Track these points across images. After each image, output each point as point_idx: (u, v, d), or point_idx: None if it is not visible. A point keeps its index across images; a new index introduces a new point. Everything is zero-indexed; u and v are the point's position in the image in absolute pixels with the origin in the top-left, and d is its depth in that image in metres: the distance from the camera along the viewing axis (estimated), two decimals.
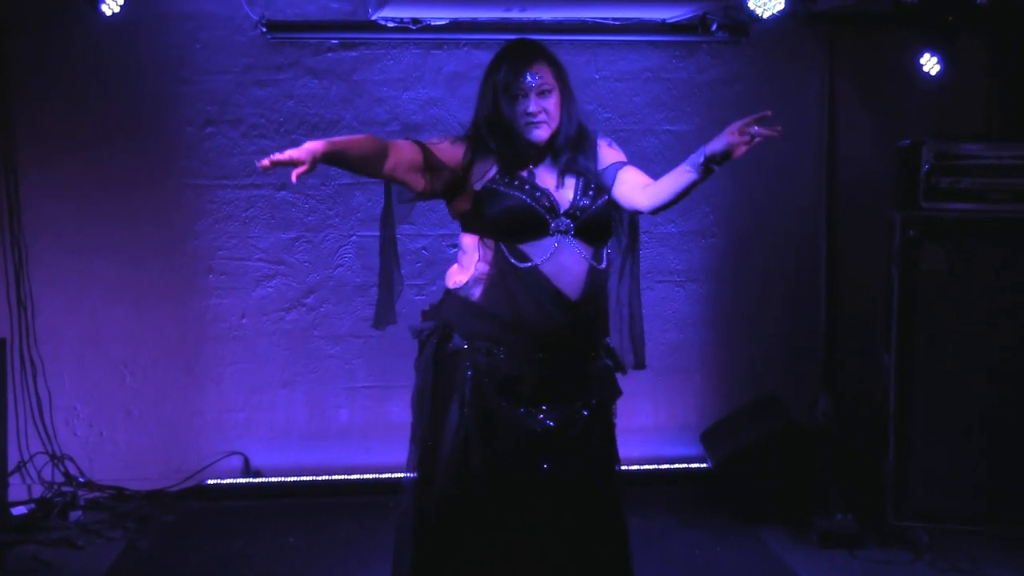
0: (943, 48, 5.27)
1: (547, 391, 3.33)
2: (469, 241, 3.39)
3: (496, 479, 3.31)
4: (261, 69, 5.43)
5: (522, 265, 3.29)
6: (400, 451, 5.40)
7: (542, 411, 3.31)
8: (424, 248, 5.55)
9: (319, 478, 5.51)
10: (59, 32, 5.28)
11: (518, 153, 3.35)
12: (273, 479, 5.51)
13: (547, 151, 3.38)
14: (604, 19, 5.47)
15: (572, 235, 3.31)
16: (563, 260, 3.30)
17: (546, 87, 3.32)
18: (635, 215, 3.47)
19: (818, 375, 5.76)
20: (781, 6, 5.09)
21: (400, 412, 5.51)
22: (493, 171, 3.35)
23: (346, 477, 5.51)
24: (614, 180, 3.38)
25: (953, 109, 5.65)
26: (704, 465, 5.60)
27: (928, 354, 4.86)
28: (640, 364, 3.53)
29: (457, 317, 3.37)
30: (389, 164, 3.24)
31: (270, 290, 5.54)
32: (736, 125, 3.05)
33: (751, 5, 5.10)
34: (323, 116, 5.48)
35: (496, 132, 3.34)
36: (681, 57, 5.66)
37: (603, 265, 3.37)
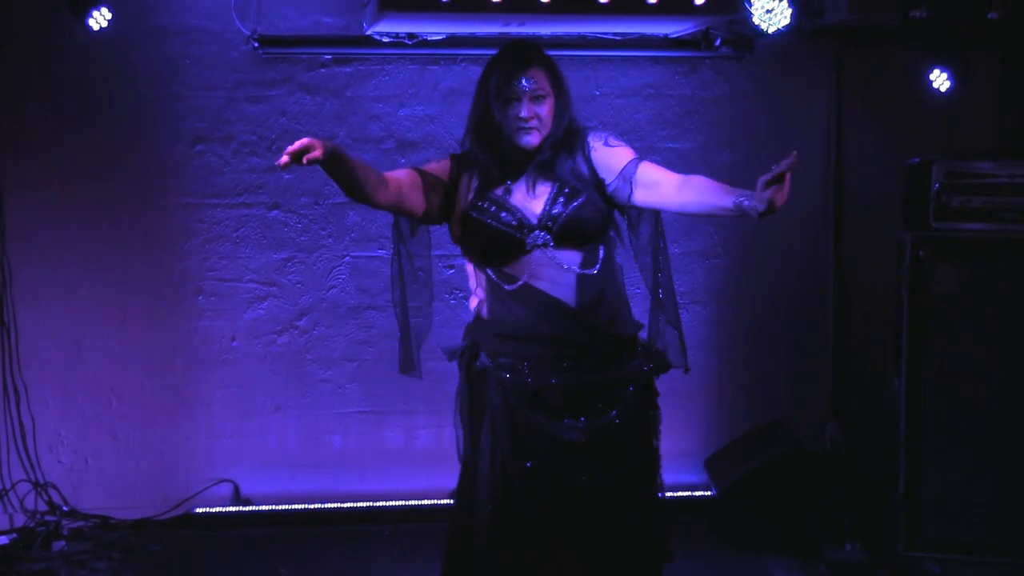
0: (953, 64, 5.27)
1: (579, 400, 3.32)
2: (469, 266, 3.46)
3: (534, 493, 3.32)
4: (253, 85, 5.42)
5: (510, 287, 3.31)
6: (395, 478, 5.57)
7: (577, 421, 3.30)
8: (420, 269, 5.47)
9: (311, 506, 5.48)
10: (44, 47, 5.26)
11: (504, 161, 3.33)
12: (264, 507, 5.48)
13: (533, 159, 3.35)
14: (604, 34, 5.45)
15: (553, 246, 3.29)
16: (549, 273, 3.29)
17: (540, 92, 3.30)
18: (657, 220, 3.46)
19: (826, 400, 5.75)
20: (787, 21, 5.09)
21: (395, 438, 5.60)
22: (474, 187, 3.35)
23: (339, 505, 5.48)
24: (633, 180, 3.32)
25: (964, 126, 5.64)
26: (708, 493, 5.57)
27: (940, 379, 4.84)
28: (664, 365, 3.52)
29: (481, 336, 3.41)
30: (392, 190, 3.28)
31: (261, 312, 5.52)
32: (764, 181, 2.99)
33: (756, 20, 5.10)
34: (316, 133, 5.38)
35: (483, 138, 3.34)
36: (684, 73, 5.65)
37: (594, 269, 3.34)
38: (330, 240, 5.51)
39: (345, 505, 5.48)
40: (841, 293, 5.75)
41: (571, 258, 3.32)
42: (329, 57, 5.44)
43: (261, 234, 5.49)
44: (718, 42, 5.44)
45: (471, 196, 3.36)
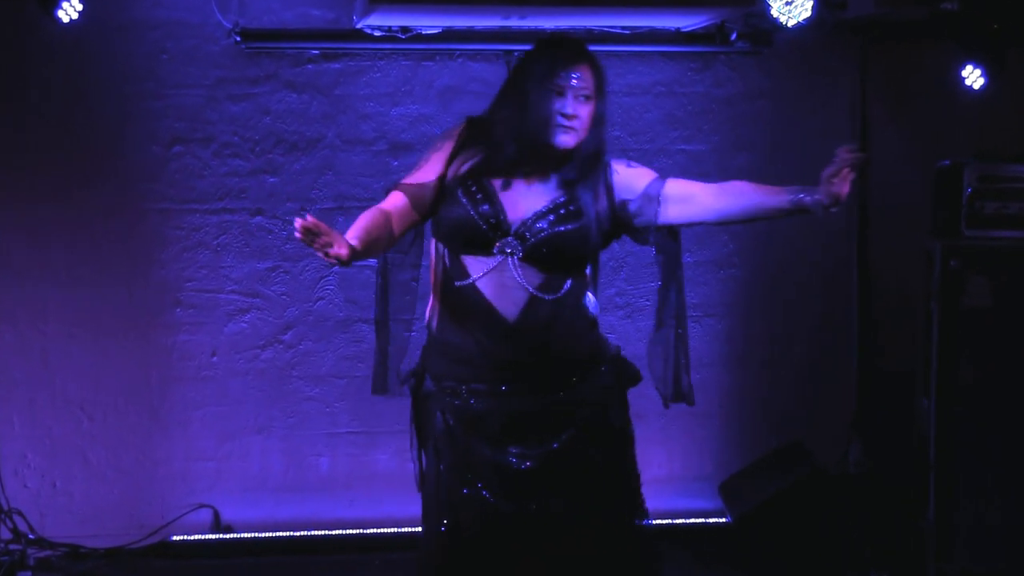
0: (987, 59, 5.19)
1: (523, 425, 3.28)
2: (432, 256, 3.40)
3: (482, 522, 3.31)
4: (234, 82, 5.40)
5: (459, 282, 3.27)
6: (387, 503, 5.43)
7: (522, 448, 3.28)
8: (413, 280, 5.44)
9: (297, 534, 5.46)
10: (9, 40, 5.23)
11: (524, 155, 3.26)
12: (246, 535, 5.45)
13: (555, 163, 3.29)
14: (613, 28, 5.39)
15: (519, 258, 3.24)
16: (504, 280, 3.24)
17: (587, 92, 3.25)
18: (674, 231, 3.43)
19: (849, 421, 5.71)
20: (807, 14, 5.07)
21: (387, 460, 5.56)
22: (469, 165, 3.30)
23: (327, 533, 5.46)
24: (660, 197, 3.33)
25: (999, 127, 5.60)
26: (723, 519, 5.55)
27: (972, 398, 4.83)
28: (680, 396, 3.52)
29: (427, 357, 3.42)
30: (397, 226, 3.27)
31: (244, 325, 5.49)
32: (828, 174, 3.14)
33: (774, 13, 5.08)
34: (303, 134, 5.45)
35: (511, 127, 3.26)
36: (697, 70, 5.64)
37: (553, 296, 3.27)
38: None
39: (333, 532, 5.46)
40: (865, 306, 5.74)
41: (531, 277, 3.25)
42: (317, 52, 5.43)
43: (243, 242, 5.46)
44: (734, 36, 5.42)
45: (467, 168, 3.30)
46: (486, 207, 3.24)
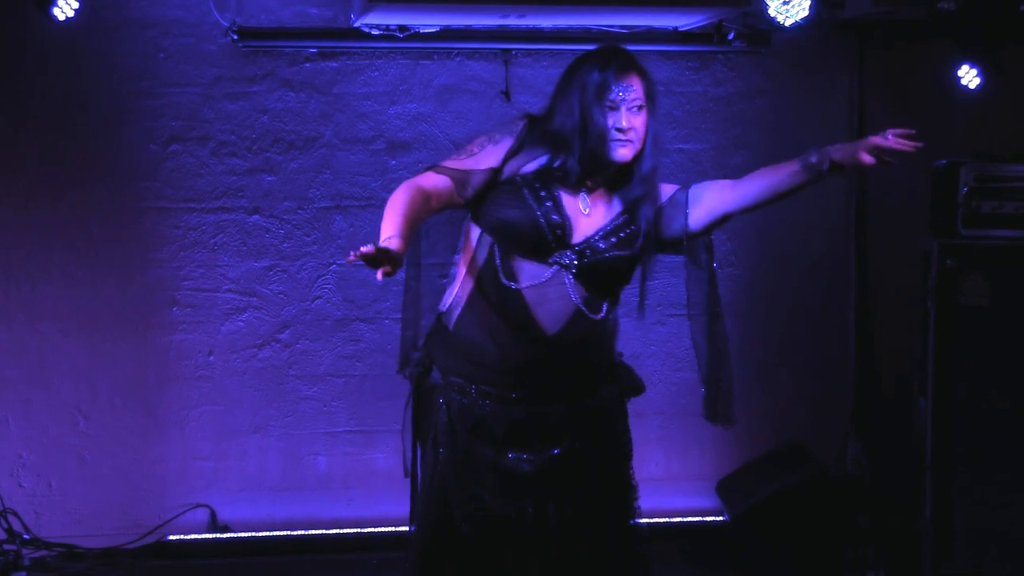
0: (984, 59, 5.19)
1: (525, 432, 3.27)
2: (470, 238, 3.33)
3: (476, 522, 3.30)
4: (231, 81, 5.38)
5: (506, 283, 3.22)
6: (385, 502, 5.42)
7: (523, 452, 3.27)
8: (413, 278, 5.44)
9: (294, 533, 5.45)
10: (4, 38, 5.22)
11: (586, 169, 3.25)
12: (243, 534, 5.44)
13: (617, 177, 3.29)
14: (610, 27, 5.39)
15: (572, 274, 3.23)
16: (550, 292, 3.22)
17: (638, 102, 3.23)
18: (710, 244, 3.46)
19: (848, 420, 5.72)
20: (805, 13, 5.07)
21: (385, 459, 5.54)
22: (535, 166, 3.26)
23: (324, 532, 5.46)
24: (687, 202, 3.35)
25: (995, 126, 5.62)
26: (721, 518, 5.55)
27: (969, 397, 4.81)
28: (715, 417, 3.59)
29: (437, 348, 3.38)
30: (434, 205, 3.23)
31: (241, 324, 5.47)
32: (873, 142, 3.20)
33: (772, 12, 5.08)
34: (300, 133, 5.44)
35: (569, 140, 3.23)
36: (695, 69, 5.63)
37: (597, 316, 3.28)
38: (315, 247, 5.47)
39: (330, 532, 5.45)
40: (863, 305, 5.74)
41: (580, 294, 3.25)
42: (314, 51, 5.41)
43: (241, 241, 5.44)
44: (731, 36, 5.40)
45: (530, 169, 3.26)
46: (556, 216, 3.22)
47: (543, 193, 3.24)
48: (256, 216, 5.44)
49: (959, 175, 4.81)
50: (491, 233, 3.26)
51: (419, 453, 3.42)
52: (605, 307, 3.31)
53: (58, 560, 5.22)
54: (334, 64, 5.43)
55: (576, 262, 3.23)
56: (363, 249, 2.82)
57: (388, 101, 5.46)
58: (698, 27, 5.38)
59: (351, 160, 5.44)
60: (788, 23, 5.07)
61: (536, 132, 3.29)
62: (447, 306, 3.37)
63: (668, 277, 5.59)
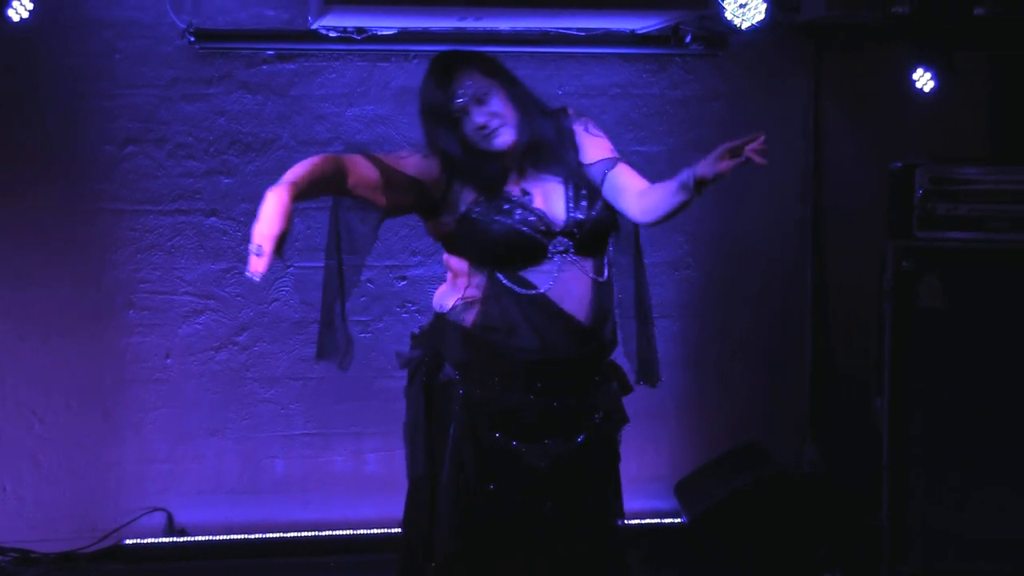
0: (938, 63, 5.26)
1: (550, 423, 3.27)
2: (458, 264, 3.31)
3: (496, 519, 3.29)
4: (188, 82, 5.36)
5: (525, 292, 3.22)
6: (342, 505, 5.44)
7: (543, 445, 3.27)
8: (369, 281, 5.47)
9: (252, 536, 5.42)
10: None
11: (491, 171, 3.25)
12: (200, 538, 5.41)
13: (521, 157, 3.28)
14: (568, 30, 5.40)
15: (572, 253, 3.24)
16: (567, 282, 3.24)
17: (481, 92, 3.22)
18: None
19: (804, 421, 5.75)
20: (761, 16, 5.07)
21: (343, 462, 5.54)
22: (471, 196, 3.26)
23: (282, 535, 5.43)
24: (602, 181, 3.31)
25: (949, 129, 5.65)
26: (678, 520, 5.55)
27: (925, 397, 4.82)
28: (651, 378, 3.53)
29: (448, 344, 3.32)
30: (351, 182, 3.15)
31: (198, 327, 5.46)
32: (725, 147, 3.00)
33: (729, 15, 5.08)
34: (257, 135, 5.41)
35: (470, 155, 3.23)
36: (652, 72, 5.64)
37: (604, 277, 3.31)
38: None
39: (288, 535, 5.43)
40: (820, 307, 5.76)
41: (589, 265, 3.28)
42: (272, 53, 5.40)
43: (198, 243, 5.42)
44: (688, 39, 5.40)
45: (475, 197, 3.26)
46: (531, 216, 3.23)
47: (505, 206, 3.24)
48: (213, 218, 5.42)
49: (914, 177, 4.83)
50: (485, 264, 3.26)
51: (417, 454, 3.38)
52: (606, 264, 3.33)
53: (13, 565, 5.17)
54: (291, 66, 5.42)
55: (571, 242, 3.24)
56: (261, 264, 2.87)
57: (346, 103, 5.45)
58: (655, 30, 5.38)
59: (314, 160, 5.42)
60: (744, 26, 5.07)
61: (443, 156, 3.27)
62: (448, 308, 3.32)
63: (625, 280, 5.66)
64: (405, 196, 3.24)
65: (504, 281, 3.24)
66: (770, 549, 5.11)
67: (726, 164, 3.00)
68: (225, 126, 5.39)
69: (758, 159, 2.98)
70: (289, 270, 5.46)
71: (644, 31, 5.42)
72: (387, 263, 5.46)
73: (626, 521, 3.53)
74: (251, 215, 5.50)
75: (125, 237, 5.38)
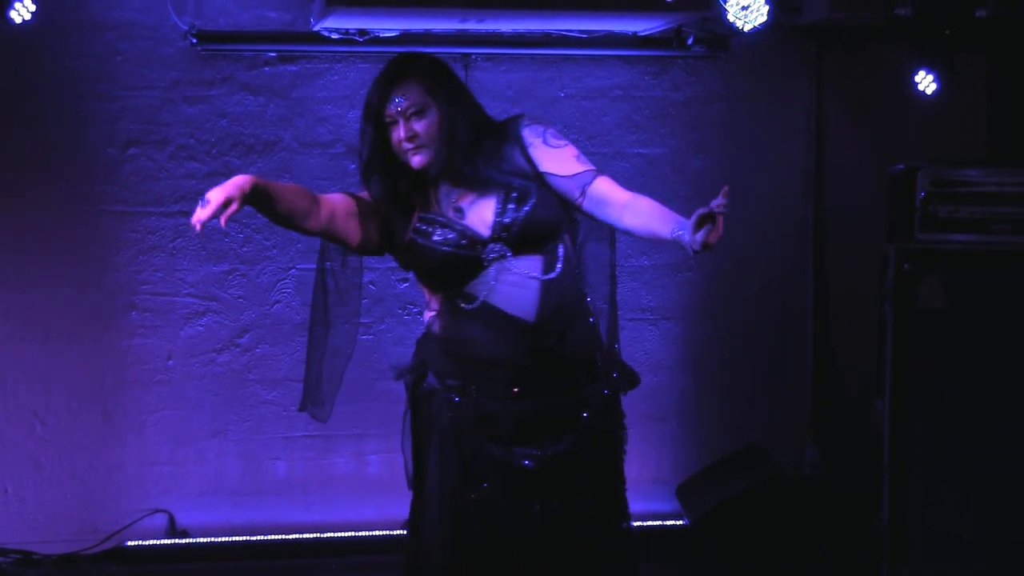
0: (940, 65, 5.25)
1: (531, 427, 3.28)
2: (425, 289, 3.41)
3: (485, 522, 3.29)
4: (190, 84, 5.36)
5: (469, 306, 3.26)
6: (344, 507, 5.46)
7: (528, 449, 3.28)
8: (371, 283, 5.48)
9: (253, 538, 5.42)
10: None
11: (414, 187, 3.30)
12: (201, 540, 5.41)
13: (442, 175, 3.28)
14: (570, 32, 5.41)
15: (512, 255, 3.24)
16: (509, 285, 3.24)
17: (414, 108, 3.23)
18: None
19: (805, 423, 5.76)
20: (763, 19, 5.08)
21: (344, 464, 5.55)
22: (414, 215, 3.31)
23: (284, 537, 5.44)
24: (582, 195, 3.27)
25: (951, 131, 5.66)
26: (680, 522, 5.56)
27: (926, 399, 4.82)
28: (628, 381, 3.47)
29: (430, 354, 3.37)
30: (324, 215, 3.25)
31: (200, 329, 5.46)
32: (697, 215, 2.99)
33: (731, 18, 5.08)
34: (259, 136, 5.42)
35: (391, 166, 3.28)
36: (654, 74, 5.64)
37: (554, 273, 3.28)
38: (274, 251, 5.47)
39: (290, 537, 5.44)
40: (821, 309, 5.76)
41: (532, 265, 3.26)
42: (273, 55, 5.40)
43: (199, 245, 5.43)
44: (690, 41, 5.42)
45: (412, 223, 3.31)
46: (451, 234, 3.24)
47: (427, 228, 3.27)
48: (215, 220, 5.43)
49: (916, 180, 4.83)
50: (436, 290, 3.32)
51: (418, 459, 3.41)
52: (559, 261, 3.30)
53: (15, 566, 5.18)
54: (293, 68, 5.42)
55: (504, 246, 3.24)
56: (202, 217, 3.07)
57: (348, 105, 5.44)
58: (657, 32, 5.39)
59: (311, 164, 5.43)
60: (746, 28, 5.07)
61: (376, 186, 3.31)
62: (427, 319, 3.38)
63: (628, 282, 5.66)
64: (371, 223, 3.30)
65: (451, 299, 3.29)
66: (772, 551, 5.11)
67: (712, 238, 2.98)
68: (227, 128, 5.40)
69: (720, 211, 2.96)
70: (291, 272, 5.47)
71: (646, 33, 5.43)
72: (389, 265, 5.40)
73: (632, 524, 3.52)
74: (253, 216, 5.55)
75: (127, 239, 5.38)
